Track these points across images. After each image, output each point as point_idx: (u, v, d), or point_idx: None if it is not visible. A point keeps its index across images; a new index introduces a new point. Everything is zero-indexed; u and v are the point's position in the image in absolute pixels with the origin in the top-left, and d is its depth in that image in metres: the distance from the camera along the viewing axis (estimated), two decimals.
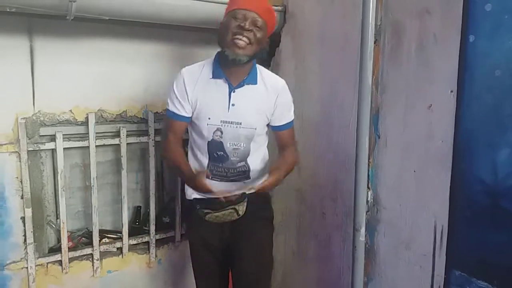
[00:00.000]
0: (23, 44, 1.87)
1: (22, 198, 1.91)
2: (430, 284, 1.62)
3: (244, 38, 1.57)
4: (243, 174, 1.75)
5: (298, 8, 2.20)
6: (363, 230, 1.78)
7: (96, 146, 2.05)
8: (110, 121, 2.11)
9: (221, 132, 1.68)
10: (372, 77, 1.69)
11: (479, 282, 1.45)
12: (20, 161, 1.89)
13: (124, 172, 2.13)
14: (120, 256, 2.21)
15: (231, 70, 1.65)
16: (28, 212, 1.92)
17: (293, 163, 1.80)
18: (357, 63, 1.71)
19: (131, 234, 2.22)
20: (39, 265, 1.99)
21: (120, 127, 2.11)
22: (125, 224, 2.18)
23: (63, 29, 1.91)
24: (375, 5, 1.64)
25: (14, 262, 1.94)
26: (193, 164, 1.76)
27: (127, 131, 2.12)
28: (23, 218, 1.93)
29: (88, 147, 2.03)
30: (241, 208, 1.67)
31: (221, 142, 1.69)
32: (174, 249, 2.36)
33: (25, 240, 1.94)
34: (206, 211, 1.67)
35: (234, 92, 1.67)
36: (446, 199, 1.53)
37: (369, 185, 1.82)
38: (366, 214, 1.80)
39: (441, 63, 1.52)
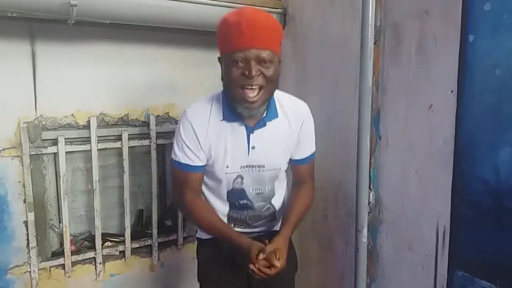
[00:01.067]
0: (24, 49, 1.88)
1: (24, 202, 1.92)
2: (433, 284, 1.62)
3: (254, 88, 1.30)
4: (269, 217, 1.58)
5: (298, 10, 2.20)
6: (365, 231, 1.78)
7: (98, 149, 2.05)
8: (112, 124, 2.11)
9: (242, 179, 1.47)
10: (373, 78, 1.70)
11: (482, 282, 1.44)
12: (22, 165, 1.89)
13: (126, 176, 2.13)
14: (123, 259, 2.21)
15: None
16: (31, 216, 1.92)
17: (309, 204, 1.59)
18: (357, 65, 1.71)
19: (133, 238, 2.22)
20: (42, 269, 2.00)
21: (122, 130, 2.11)
22: (128, 228, 2.18)
23: (64, 33, 1.92)
24: (374, 6, 1.65)
25: (17, 266, 1.94)
26: None
27: (129, 134, 2.12)
28: (25, 222, 1.93)
29: (90, 150, 2.03)
30: None
31: (243, 189, 1.49)
32: (177, 252, 2.36)
33: (28, 244, 1.95)
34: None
35: (253, 133, 1.43)
36: (448, 199, 1.53)
37: (371, 186, 1.82)
38: (368, 215, 1.81)
39: (441, 63, 1.52)
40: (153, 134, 2.18)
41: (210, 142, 1.43)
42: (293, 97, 1.56)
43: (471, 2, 1.40)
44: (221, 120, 1.43)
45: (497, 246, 1.40)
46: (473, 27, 1.40)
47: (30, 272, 1.96)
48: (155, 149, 2.19)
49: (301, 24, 2.19)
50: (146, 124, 2.19)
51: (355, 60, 1.75)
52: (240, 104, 1.34)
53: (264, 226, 1.58)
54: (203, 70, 2.29)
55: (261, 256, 1.31)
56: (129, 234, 2.19)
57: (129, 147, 2.13)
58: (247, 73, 1.28)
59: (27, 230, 1.93)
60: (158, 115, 2.22)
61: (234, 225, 1.53)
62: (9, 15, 1.64)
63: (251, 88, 1.30)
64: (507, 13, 1.31)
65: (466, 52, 1.43)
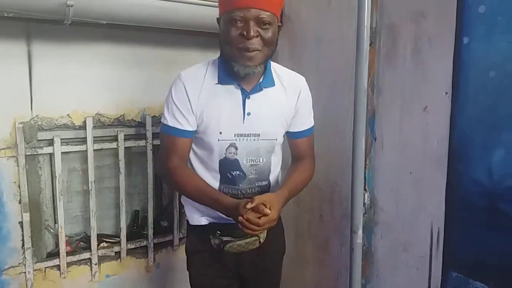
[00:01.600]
0: (21, 49, 1.87)
1: (20, 202, 1.91)
2: (427, 285, 1.62)
3: (252, 48, 1.27)
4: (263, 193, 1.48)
5: (295, 11, 2.21)
6: (360, 232, 1.79)
7: (94, 150, 2.05)
8: (108, 125, 2.11)
9: (236, 148, 1.40)
10: (368, 79, 1.71)
11: (476, 283, 1.45)
12: (18, 166, 1.89)
13: (122, 176, 2.13)
14: (118, 260, 2.21)
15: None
16: (26, 217, 1.92)
17: (309, 178, 1.55)
18: (353, 66, 1.72)
19: (129, 238, 2.22)
20: (37, 270, 1.99)
21: (118, 131, 2.11)
22: (123, 228, 2.18)
23: (60, 33, 1.92)
24: (370, 8, 1.66)
25: (12, 267, 1.94)
26: None
27: (125, 135, 2.12)
28: (21, 223, 1.93)
29: (86, 151, 2.03)
30: (263, 235, 1.47)
31: (237, 160, 1.42)
32: (173, 253, 2.36)
33: (23, 245, 1.94)
34: (226, 239, 1.43)
35: (249, 98, 1.39)
36: (442, 201, 1.54)
37: (366, 187, 1.82)
38: (363, 216, 1.81)
39: (436, 65, 1.53)
40: (149, 134, 2.18)
41: (202, 106, 1.37)
42: (291, 70, 1.54)
43: (466, 5, 1.41)
44: (216, 84, 1.38)
45: (491, 247, 1.40)
46: (468, 29, 1.41)
47: (25, 273, 1.95)
48: (151, 149, 2.19)
49: (297, 25, 2.20)
50: (142, 124, 2.19)
51: (350, 61, 1.76)
52: (237, 61, 1.30)
53: None
54: None
55: (249, 205, 1.25)
56: (125, 235, 2.19)
57: (125, 147, 2.13)
58: (245, 33, 1.25)
59: (22, 230, 1.93)
60: (154, 116, 2.22)
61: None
62: (6, 15, 1.64)
63: (249, 49, 1.27)
64: (501, 16, 1.32)
65: (460, 54, 1.44)
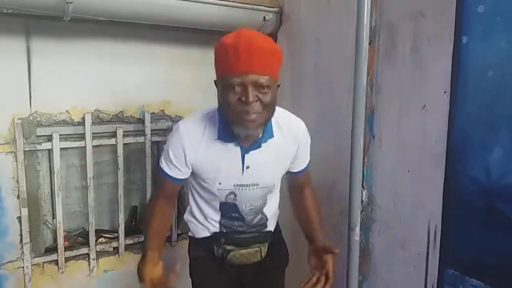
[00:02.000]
0: (20, 45, 1.87)
1: (18, 198, 1.91)
2: (424, 283, 1.64)
3: (252, 112, 1.24)
4: (260, 226, 1.55)
5: (294, 10, 2.21)
6: (357, 229, 1.80)
7: (93, 146, 2.05)
8: (106, 121, 2.11)
9: (235, 195, 1.44)
10: (367, 78, 1.71)
11: (472, 281, 1.46)
12: (16, 161, 1.89)
13: (120, 172, 2.14)
14: (117, 255, 2.22)
15: None
16: (25, 212, 1.92)
17: (316, 196, 1.64)
18: (352, 64, 1.72)
19: (127, 234, 2.23)
20: (35, 264, 2.00)
21: (116, 127, 2.11)
22: (122, 224, 2.18)
23: (60, 30, 1.92)
24: (369, 7, 1.66)
25: (10, 261, 1.94)
26: (200, 218, 1.54)
27: (123, 131, 2.12)
28: (19, 218, 1.93)
29: (84, 147, 2.03)
30: (264, 250, 1.54)
31: (236, 205, 1.47)
32: (171, 249, 2.37)
33: (21, 239, 1.95)
34: (229, 247, 1.49)
35: (248, 153, 1.39)
36: (440, 199, 1.55)
37: (364, 185, 1.83)
38: (361, 213, 1.82)
39: (435, 64, 1.54)
40: (148, 131, 2.18)
41: (201, 160, 1.39)
42: (291, 115, 1.51)
43: (465, 4, 1.42)
44: (215, 140, 1.38)
45: (488, 245, 1.42)
46: (467, 28, 1.42)
47: (23, 267, 1.96)
48: (149, 146, 2.19)
49: (297, 24, 2.20)
50: (141, 121, 2.19)
51: (350, 60, 1.76)
52: (237, 126, 1.28)
53: (257, 233, 1.55)
54: (198, 68, 2.29)
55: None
56: (123, 230, 2.20)
57: (123, 144, 2.13)
58: (243, 99, 1.22)
59: (20, 225, 1.93)
60: (153, 112, 2.22)
61: (225, 230, 1.53)
62: (5, 11, 1.64)
63: (248, 114, 1.24)
64: (500, 16, 1.32)
65: (459, 53, 1.45)
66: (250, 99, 1.21)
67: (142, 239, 2.25)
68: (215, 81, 1.34)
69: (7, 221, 1.92)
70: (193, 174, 1.45)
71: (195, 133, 1.38)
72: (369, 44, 1.71)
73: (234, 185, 1.43)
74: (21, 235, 1.94)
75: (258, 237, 1.52)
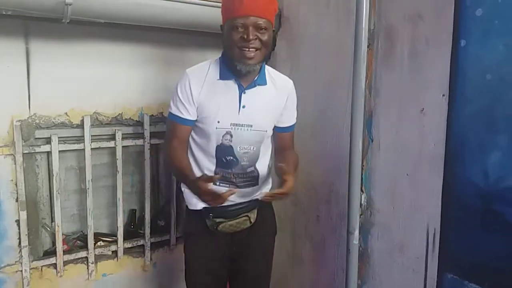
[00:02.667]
0: (19, 47, 1.87)
1: (17, 201, 1.91)
2: (423, 287, 1.63)
3: (252, 49, 1.47)
4: (252, 180, 1.67)
5: (293, 12, 2.21)
6: (356, 233, 1.79)
7: (92, 148, 2.05)
8: (105, 124, 2.11)
9: (231, 136, 1.59)
10: (366, 81, 1.71)
11: (471, 285, 1.46)
12: (15, 164, 1.89)
13: (119, 175, 2.13)
14: (115, 259, 2.21)
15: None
16: (23, 215, 1.92)
17: (298, 163, 1.73)
18: (351, 67, 1.73)
19: (126, 238, 2.22)
20: (33, 268, 1.99)
21: (115, 130, 2.11)
22: (120, 227, 2.18)
23: (59, 32, 1.92)
24: (368, 10, 1.67)
25: (8, 265, 1.94)
26: (196, 171, 1.63)
27: (122, 134, 2.12)
28: (18, 221, 1.93)
29: (83, 149, 2.03)
30: (253, 216, 1.67)
31: (231, 146, 1.60)
32: (169, 253, 2.36)
33: (19, 243, 1.94)
34: (218, 220, 1.61)
35: (244, 93, 1.58)
36: (439, 202, 1.54)
37: (363, 188, 1.83)
38: (360, 217, 1.82)
39: (433, 67, 1.53)
40: (147, 133, 2.18)
41: (204, 99, 1.56)
42: (282, 74, 1.73)
43: (464, 7, 1.42)
44: (218, 79, 1.58)
45: (487, 249, 1.41)
46: (465, 32, 1.42)
47: (21, 271, 1.95)
48: (148, 148, 2.19)
49: (296, 26, 2.20)
50: (140, 123, 2.19)
51: (348, 62, 1.77)
52: (239, 61, 1.49)
53: (248, 187, 1.66)
54: None
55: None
56: (122, 234, 2.19)
57: (122, 146, 2.13)
58: (245, 36, 1.45)
59: (19, 229, 1.93)
60: (152, 115, 2.22)
61: (219, 183, 1.62)
62: (4, 13, 1.64)
63: (249, 50, 1.47)
64: (498, 19, 1.32)
65: (458, 57, 1.45)
66: (251, 37, 1.45)
67: (141, 242, 2.26)
68: (221, 26, 1.57)
69: (5, 224, 1.91)
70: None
71: (199, 74, 1.59)
72: (368, 47, 1.71)
73: (231, 124, 1.58)
74: (19, 238, 1.94)
75: (245, 208, 1.65)
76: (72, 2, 1.66)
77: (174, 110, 1.60)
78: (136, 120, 2.19)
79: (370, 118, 1.79)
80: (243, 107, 1.59)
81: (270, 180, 1.76)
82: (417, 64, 1.60)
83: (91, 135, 2.04)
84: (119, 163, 2.13)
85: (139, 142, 2.18)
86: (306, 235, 2.22)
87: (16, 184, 1.90)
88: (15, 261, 1.95)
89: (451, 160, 1.49)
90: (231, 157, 1.61)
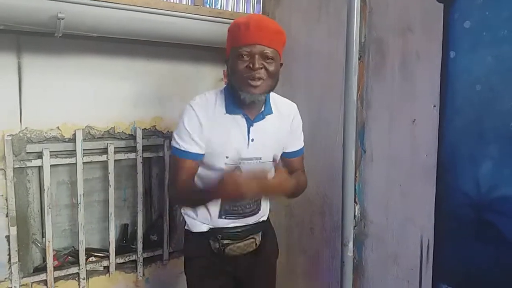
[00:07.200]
0: (11, 61, 1.87)
1: (7, 216, 1.89)
2: None
3: (258, 77, 1.40)
4: (256, 207, 1.62)
5: (285, 25, 2.22)
6: (351, 245, 1.78)
7: (84, 163, 2.04)
8: (98, 137, 2.10)
9: (240, 171, 1.46)
10: (357, 93, 1.73)
11: None
12: (5, 179, 1.87)
13: (111, 189, 2.11)
14: (107, 275, 2.18)
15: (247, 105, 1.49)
16: (13, 231, 1.89)
17: (305, 182, 1.66)
18: (342, 79, 1.74)
19: (118, 253, 2.19)
20: (23, 285, 1.96)
21: (108, 143, 2.10)
22: (112, 242, 2.15)
23: (51, 46, 1.93)
24: (359, 23, 1.69)
25: None
26: (201, 208, 1.58)
27: (115, 147, 2.11)
28: (7, 237, 1.90)
29: (75, 164, 2.02)
30: (258, 238, 1.64)
31: None
32: (162, 268, 2.33)
33: (9, 259, 1.91)
34: (226, 242, 1.57)
35: (252, 126, 1.52)
36: (432, 213, 1.55)
37: (356, 200, 1.83)
38: (354, 229, 1.81)
39: (424, 79, 1.55)
40: (139, 147, 2.17)
41: (212, 132, 1.49)
42: (284, 98, 1.68)
43: (452, 20, 1.45)
44: (225, 114, 1.51)
45: (480, 259, 1.41)
46: (454, 43, 1.44)
47: None
48: (141, 162, 2.18)
49: (288, 39, 2.21)
50: (133, 137, 2.18)
51: (340, 75, 1.78)
52: (243, 90, 1.42)
53: (252, 215, 1.61)
54: (190, 84, 2.30)
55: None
56: (114, 249, 2.16)
57: (115, 160, 2.12)
58: (251, 65, 1.39)
59: (8, 244, 1.90)
60: (145, 128, 2.21)
61: (225, 216, 1.57)
62: None
63: (255, 79, 1.40)
64: (486, 31, 1.35)
65: (447, 68, 1.47)
66: (257, 65, 1.39)
67: (133, 257, 2.23)
68: (226, 60, 1.51)
69: None
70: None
71: (207, 107, 1.51)
72: (359, 59, 1.73)
73: (239, 159, 1.51)
74: (9, 254, 1.91)
75: (252, 229, 1.62)
76: (64, 16, 1.67)
77: (181, 145, 1.49)
78: (129, 134, 2.18)
79: (362, 129, 1.80)
80: (252, 140, 1.53)
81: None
82: (407, 76, 1.62)
83: (83, 149, 2.03)
84: (111, 177, 2.11)
85: (132, 155, 2.17)
86: (300, 247, 2.21)
87: (6, 199, 1.88)
88: (5, 278, 1.92)
89: (443, 171, 1.50)
90: None
